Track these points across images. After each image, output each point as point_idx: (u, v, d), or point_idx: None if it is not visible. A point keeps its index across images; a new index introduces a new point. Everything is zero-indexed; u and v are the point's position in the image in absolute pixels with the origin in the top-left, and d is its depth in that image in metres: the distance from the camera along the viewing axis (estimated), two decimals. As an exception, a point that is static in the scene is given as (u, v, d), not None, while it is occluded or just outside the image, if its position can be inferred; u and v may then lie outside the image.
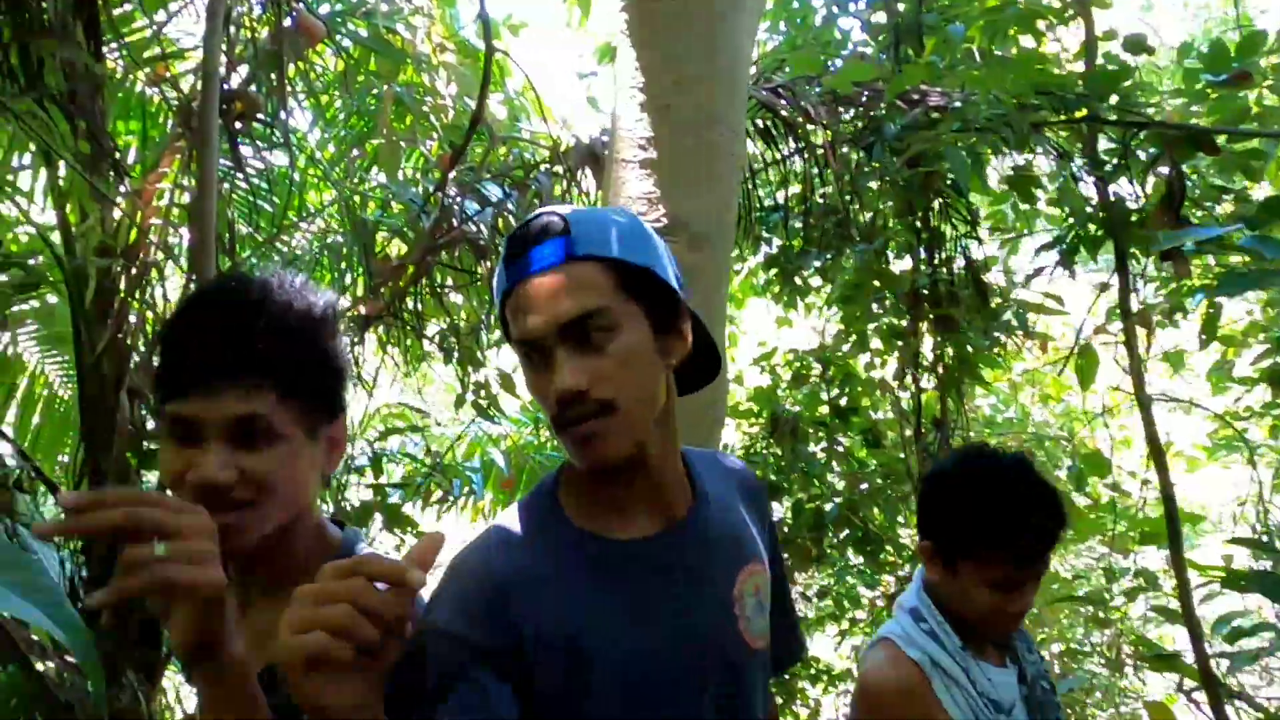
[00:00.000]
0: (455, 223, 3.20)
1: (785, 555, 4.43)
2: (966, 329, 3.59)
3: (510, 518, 1.12)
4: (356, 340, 3.00)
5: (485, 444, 4.78)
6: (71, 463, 2.88)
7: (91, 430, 2.72)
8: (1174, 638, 4.04)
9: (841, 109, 3.29)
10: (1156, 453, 3.35)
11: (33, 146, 2.84)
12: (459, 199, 3.09)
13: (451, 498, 3.15)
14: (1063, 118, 3.02)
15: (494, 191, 3.51)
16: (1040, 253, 3.33)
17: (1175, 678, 3.67)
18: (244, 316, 1.06)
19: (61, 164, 2.58)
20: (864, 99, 3.37)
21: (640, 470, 1.08)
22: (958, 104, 3.01)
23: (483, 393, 3.78)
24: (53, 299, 3.98)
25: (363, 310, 2.87)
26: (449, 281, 3.29)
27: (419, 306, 3.22)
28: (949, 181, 3.54)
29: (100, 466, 2.65)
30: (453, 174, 3.09)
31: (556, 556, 1.06)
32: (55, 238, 2.99)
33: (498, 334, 4.15)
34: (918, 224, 3.65)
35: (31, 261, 3.29)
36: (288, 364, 1.07)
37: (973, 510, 1.48)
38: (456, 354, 3.81)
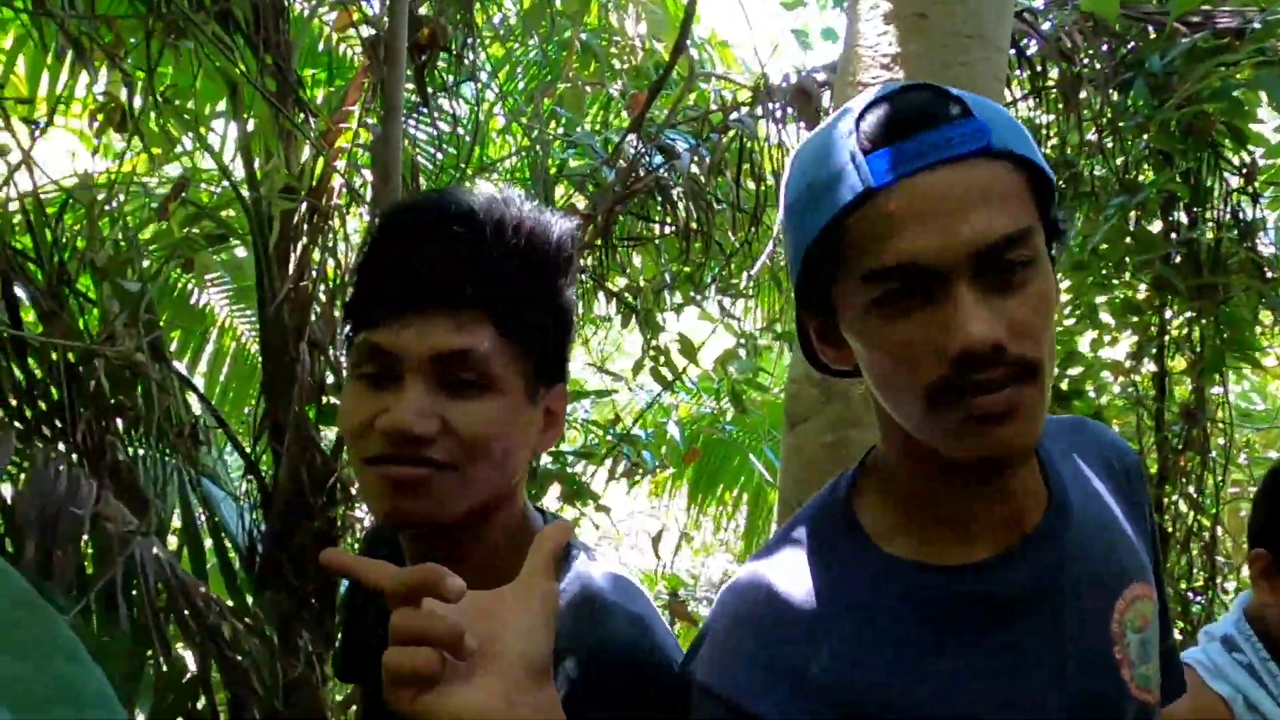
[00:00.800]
0: (642, 174, 2.93)
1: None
2: (1236, 301, 3.03)
3: (795, 544, 0.82)
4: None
5: (657, 414, 4.55)
6: (253, 416, 2.81)
7: (272, 382, 2.63)
8: None
9: (1099, 40, 2.79)
10: None
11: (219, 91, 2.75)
12: (647, 149, 2.81)
13: (642, 470, 2.89)
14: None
15: (682, 142, 3.23)
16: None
17: None
18: (466, 232, 0.84)
19: (249, 105, 2.47)
20: (1134, 25, 2.85)
21: (1014, 467, 0.76)
22: (1255, 25, 2.48)
23: (663, 359, 3.52)
24: (242, 252, 4.00)
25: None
26: (633, 236, 3.03)
27: (604, 262, 2.97)
28: (1223, 126, 2.98)
29: (280, 420, 2.55)
30: (643, 119, 2.81)
31: (874, 596, 0.77)
32: (245, 192, 2.92)
33: (678, 297, 3.88)
34: (1186, 178, 3.09)
35: (224, 214, 3.26)
36: (516, 296, 0.85)
37: None
38: (637, 316, 3.56)
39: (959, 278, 0.68)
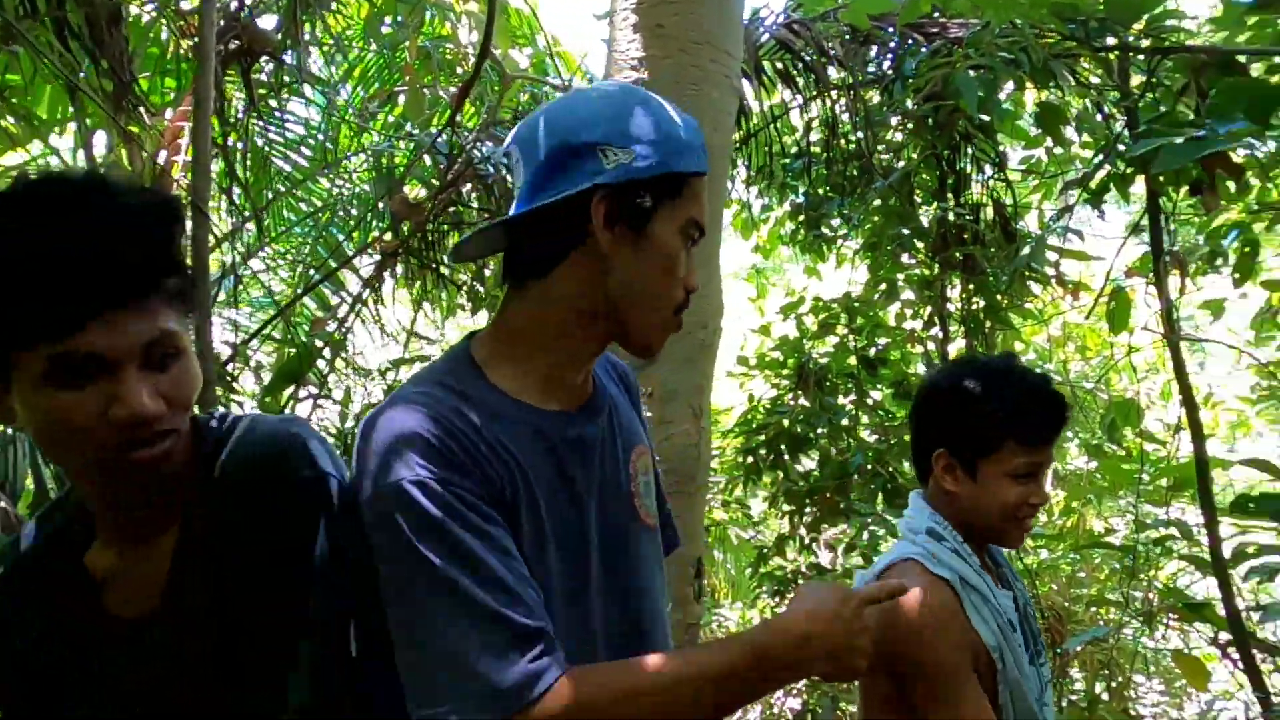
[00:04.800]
0: (469, 162, 3.24)
1: (812, 507, 4.44)
2: (993, 273, 3.52)
3: (432, 384, 1.10)
4: (376, 279, 3.06)
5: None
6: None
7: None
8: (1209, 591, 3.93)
9: (862, 47, 3.24)
10: (1186, 394, 3.25)
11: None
12: (476, 141, 3.13)
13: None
14: (1083, 46, 2.93)
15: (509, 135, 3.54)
16: (1067, 190, 3.24)
17: (1213, 635, 3.57)
18: (112, 222, 0.89)
19: (90, 106, 2.68)
20: (890, 36, 3.31)
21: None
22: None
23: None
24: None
25: (380, 248, 2.92)
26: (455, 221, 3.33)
27: (434, 245, 3.26)
28: (974, 121, 3.47)
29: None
30: (464, 117, 3.12)
31: (500, 424, 1.08)
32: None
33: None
34: (943, 166, 3.58)
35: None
36: (174, 267, 0.95)
37: (988, 403, 1.51)
38: (484, 303, 3.87)
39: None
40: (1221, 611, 3.16)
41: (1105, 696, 5.00)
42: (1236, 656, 3.27)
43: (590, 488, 1.13)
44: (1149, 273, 3.39)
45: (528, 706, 0.94)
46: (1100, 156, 3.34)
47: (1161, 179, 3.23)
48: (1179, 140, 1.96)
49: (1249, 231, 3.29)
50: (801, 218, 4.04)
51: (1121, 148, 3.28)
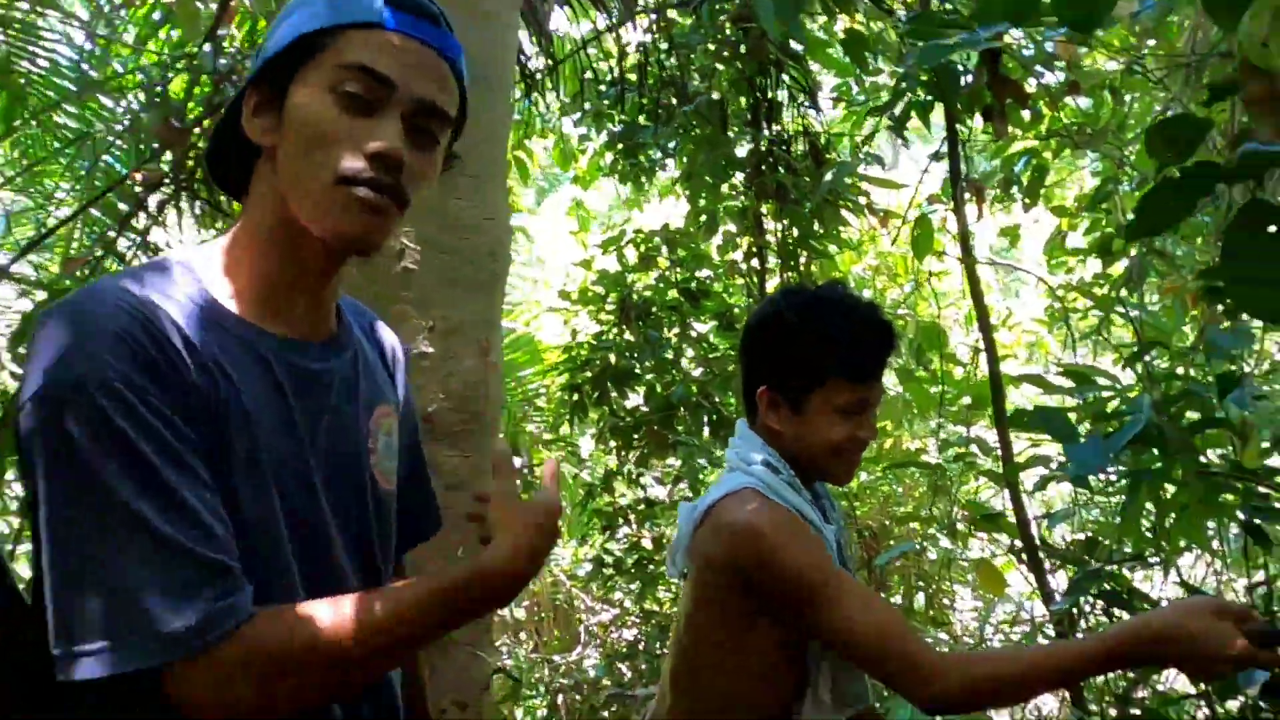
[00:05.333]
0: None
1: (640, 441, 4.43)
2: (803, 201, 3.54)
3: (133, 279, 0.93)
4: (137, 213, 2.77)
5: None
6: None
7: None
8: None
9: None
10: (982, 317, 3.38)
11: None
12: (244, 58, 2.84)
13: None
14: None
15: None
16: (870, 117, 3.26)
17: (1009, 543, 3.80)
18: None
19: None
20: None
21: (338, 269, 1.03)
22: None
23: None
24: None
25: (145, 178, 2.63)
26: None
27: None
28: (781, 47, 3.44)
29: None
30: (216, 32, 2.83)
31: (212, 334, 0.93)
32: None
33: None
34: (756, 94, 3.55)
35: None
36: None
37: (816, 339, 1.43)
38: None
39: (403, 114, 0.94)
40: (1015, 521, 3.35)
41: (921, 605, 5.31)
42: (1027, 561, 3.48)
43: (316, 426, 1.00)
44: (950, 199, 3.49)
45: (199, 653, 0.81)
46: (902, 84, 3.39)
47: (959, 106, 3.31)
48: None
49: (1039, 158, 3.42)
50: (620, 147, 3.93)
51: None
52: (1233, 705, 2.38)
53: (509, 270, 2.26)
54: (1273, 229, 1.09)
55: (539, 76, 3.78)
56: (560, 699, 5.46)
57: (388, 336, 1.21)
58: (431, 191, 1.68)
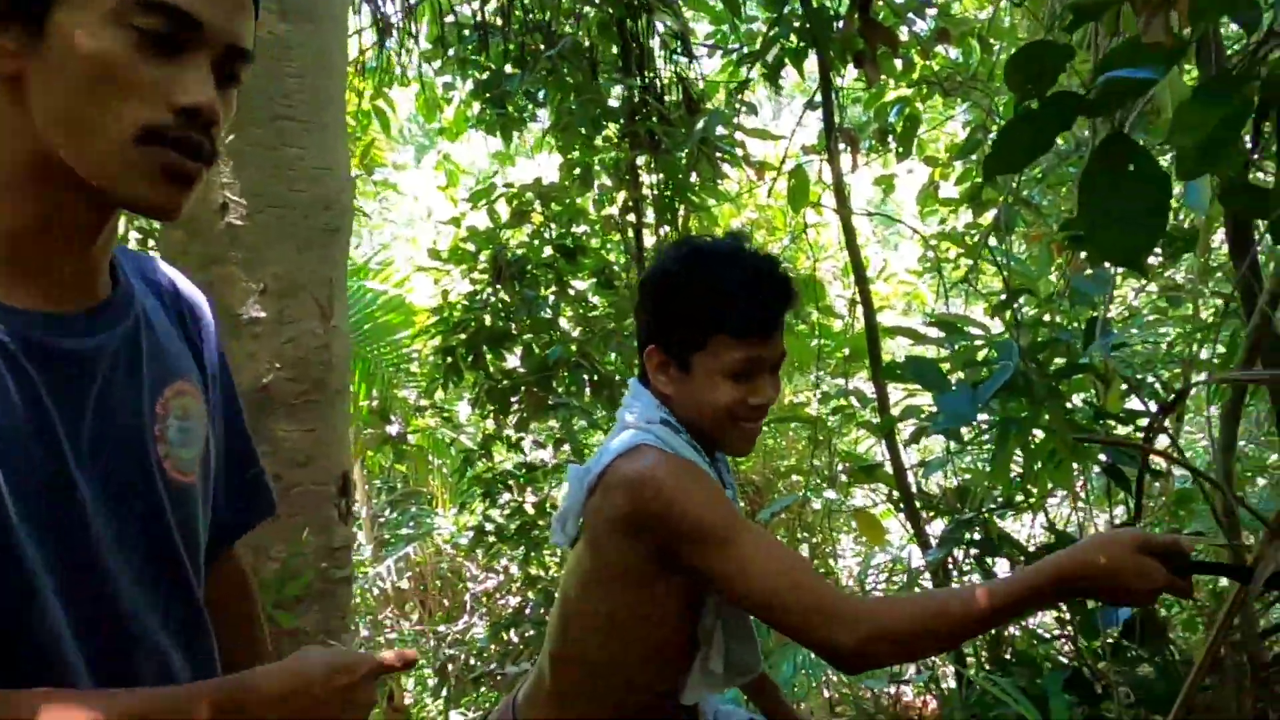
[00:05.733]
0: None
1: (519, 404, 4.29)
2: (676, 148, 3.43)
3: None
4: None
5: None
6: None
7: None
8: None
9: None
10: (858, 268, 3.37)
11: None
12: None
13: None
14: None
15: None
16: (742, 64, 3.17)
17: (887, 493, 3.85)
18: None
19: None
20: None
21: (110, 223, 0.85)
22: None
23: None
24: None
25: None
26: None
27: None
28: (654, -9, 3.30)
29: None
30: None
31: None
32: None
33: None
34: (626, 40, 3.41)
35: None
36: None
37: (700, 293, 1.30)
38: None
39: (207, 52, 0.78)
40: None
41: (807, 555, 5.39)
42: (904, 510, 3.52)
43: (78, 422, 0.82)
44: (825, 149, 3.44)
45: None
46: (775, 29, 3.31)
47: (831, 53, 3.25)
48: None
49: (911, 107, 3.40)
50: (486, 96, 3.73)
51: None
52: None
53: (352, 225, 2.07)
54: (1132, 167, 1.03)
55: (394, 20, 3.53)
56: (451, 668, 5.34)
57: (188, 292, 1.02)
58: (260, 138, 1.52)
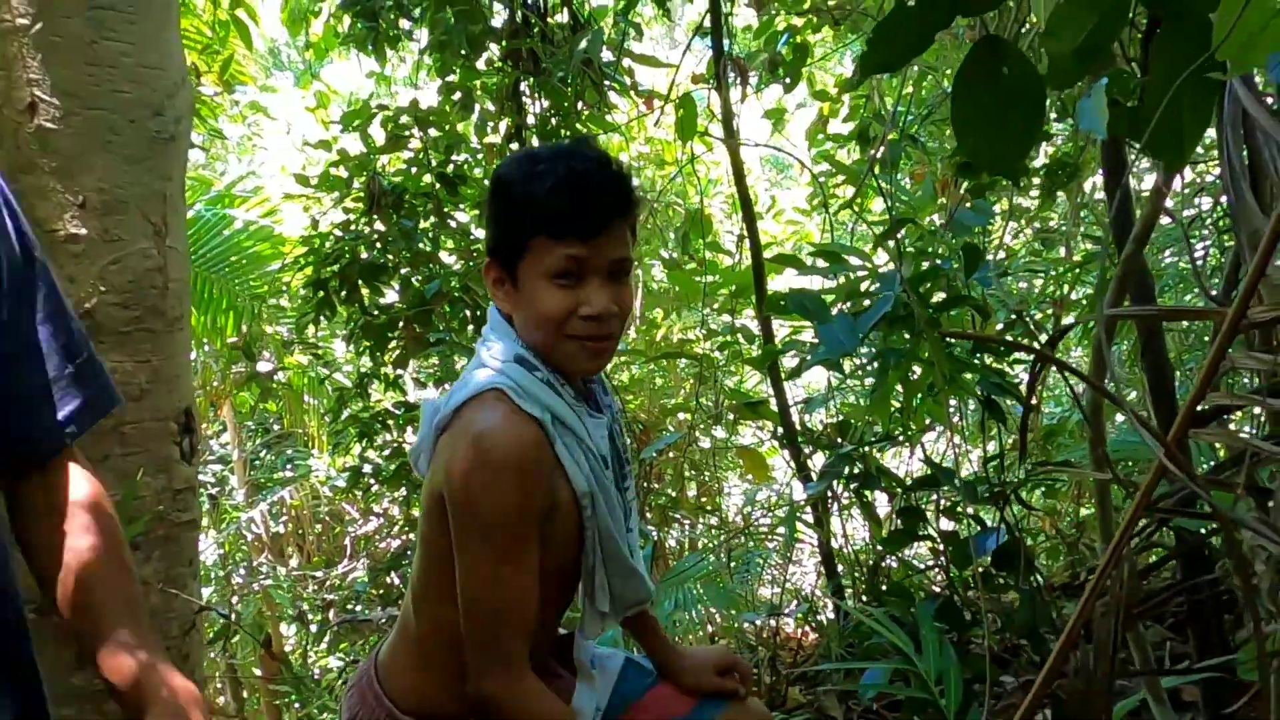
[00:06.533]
0: None
1: (396, 341, 4.11)
2: (559, 68, 3.27)
3: None
4: None
5: None
6: None
7: None
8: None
9: None
10: (745, 203, 3.31)
11: None
12: None
13: None
14: None
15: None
16: (630, -15, 3.02)
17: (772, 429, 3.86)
18: None
19: None
20: None
21: None
22: None
23: None
24: None
25: None
26: None
27: None
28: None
29: None
30: None
31: None
32: None
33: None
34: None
35: None
36: None
37: (519, 194, 1.19)
38: None
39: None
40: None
41: (694, 494, 5.42)
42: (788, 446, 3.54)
43: None
44: (714, 78, 3.35)
45: None
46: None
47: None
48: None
49: (801, 36, 3.33)
50: (357, 8, 3.47)
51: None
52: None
53: (190, 135, 1.87)
54: (1006, 70, 0.98)
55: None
56: (331, 613, 5.19)
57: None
58: (73, 28, 1.33)
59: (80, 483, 0.97)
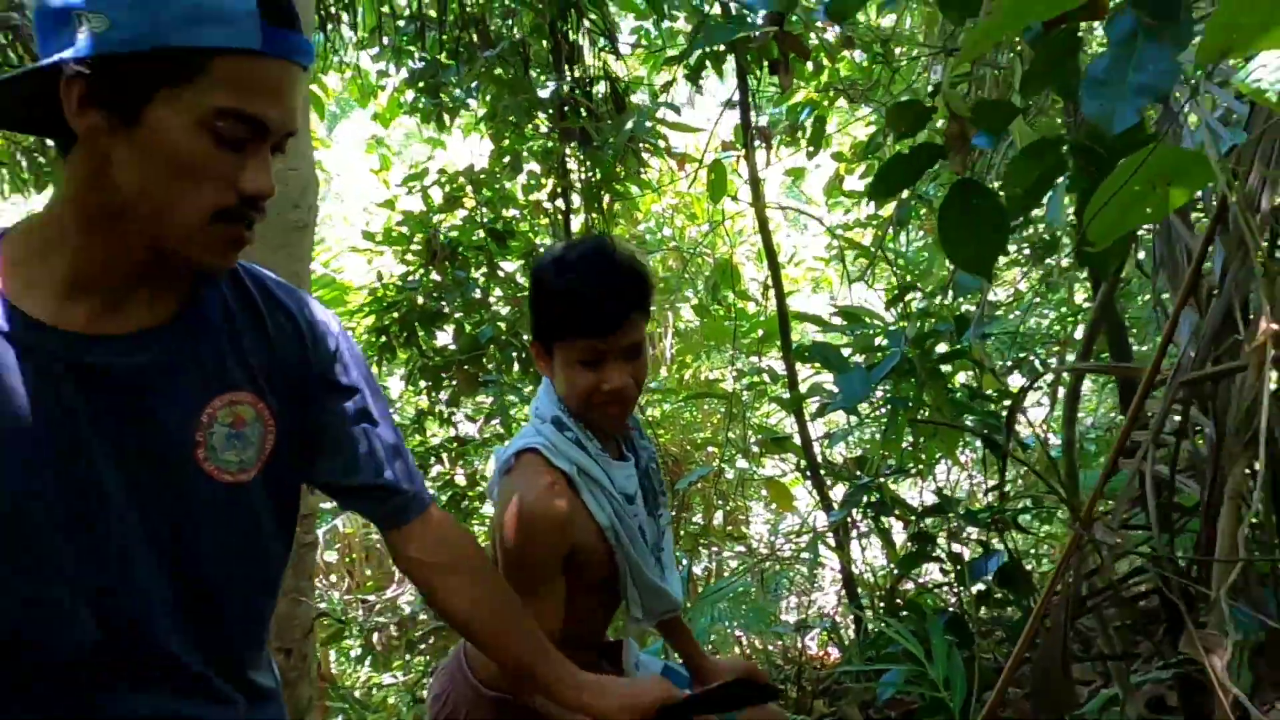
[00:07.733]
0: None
1: (450, 380, 4.47)
2: (603, 143, 3.65)
3: None
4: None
5: None
6: None
7: None
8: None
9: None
10: (770, 256, 3.66)
11: None
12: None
13: None
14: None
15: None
16: (666, 66, 3.40)
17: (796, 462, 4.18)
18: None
19: None
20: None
21: (169, 265, 0.99)
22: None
23: None
24: None
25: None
26: None
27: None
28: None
29: None
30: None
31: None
32: None
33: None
34: (556, 36, 3.60)
35: None
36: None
37: (547, 297, 1.50)
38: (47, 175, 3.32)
39: (269, 141, 0.93)
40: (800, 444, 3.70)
41: (720, 522, 5.73)
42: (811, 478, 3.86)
43: (105, 427, 0.95)
44: (742, 145, 3.71)
45: None
46: (698, 35, 3.55)
47: (749, 58, 3.51)
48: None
49: (820, 108, 3.69)
50: (421, 85, 3.87)
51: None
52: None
53: (316, 219, 2.25)
54: (976, 201, 1.33)
55: (334, 8, 3.65)
56: (376, 636, 5.51)
57: (302, 313, 1.11)
58: None
59: (437, 530, 1.24)
